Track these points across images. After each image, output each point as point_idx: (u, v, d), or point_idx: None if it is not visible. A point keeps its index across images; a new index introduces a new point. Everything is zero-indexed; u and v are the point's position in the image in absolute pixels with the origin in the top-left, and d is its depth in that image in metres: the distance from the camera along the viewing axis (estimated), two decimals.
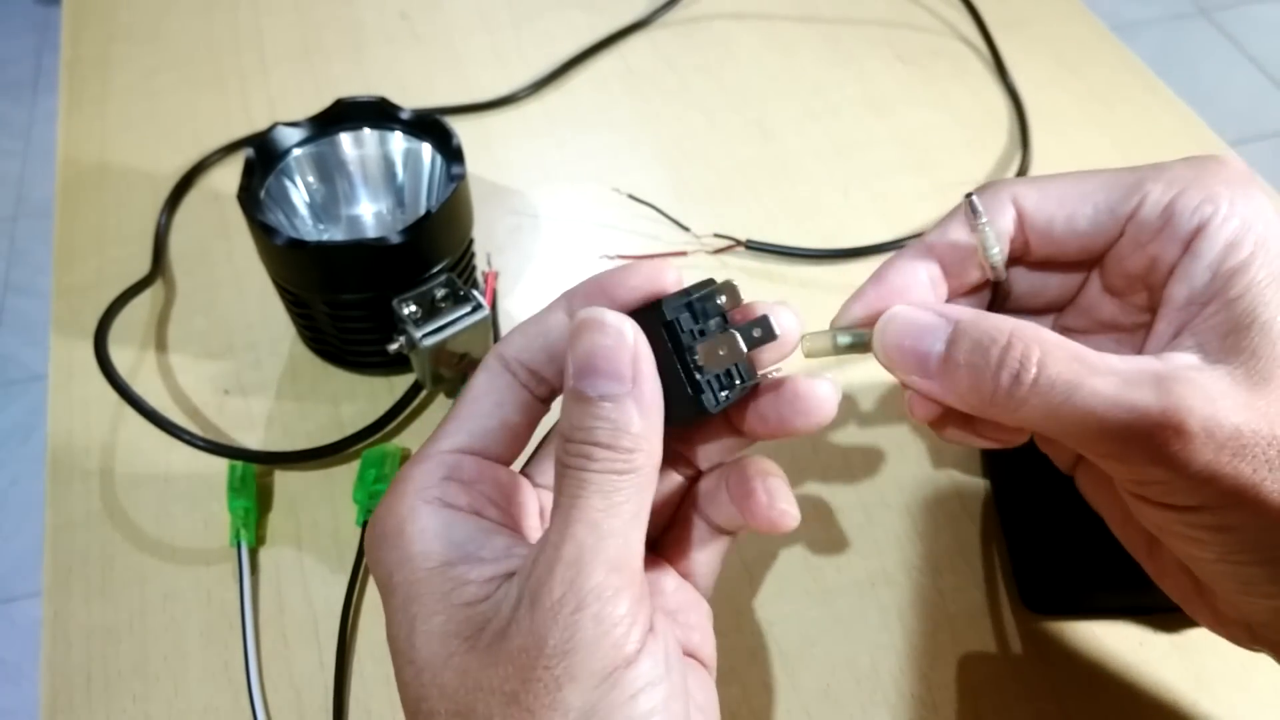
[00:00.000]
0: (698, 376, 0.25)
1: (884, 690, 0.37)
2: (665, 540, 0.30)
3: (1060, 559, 0.38)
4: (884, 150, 0.57)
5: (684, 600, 0.29)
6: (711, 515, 0.29)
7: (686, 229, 0.52)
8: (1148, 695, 0.37)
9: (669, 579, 0.29)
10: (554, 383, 0.28)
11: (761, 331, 0.25)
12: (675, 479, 0.30)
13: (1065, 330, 0.31)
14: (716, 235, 0.51)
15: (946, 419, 0.28)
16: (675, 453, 0.30)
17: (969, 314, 0.26)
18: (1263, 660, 0.37)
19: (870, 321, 0.28)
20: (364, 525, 0.41)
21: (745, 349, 0.25)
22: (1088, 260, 0.29)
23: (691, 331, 0.26)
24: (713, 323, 0.26)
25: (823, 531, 0.41)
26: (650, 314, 0.25)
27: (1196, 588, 0.28)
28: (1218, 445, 0.23)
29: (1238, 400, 0.23)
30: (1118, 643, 0.38)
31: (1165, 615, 0.38)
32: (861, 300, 0.29)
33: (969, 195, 0.28)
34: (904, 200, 0.53)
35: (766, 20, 0.66)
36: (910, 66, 0.62)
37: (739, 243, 0.51)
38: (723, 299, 0.26)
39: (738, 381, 0.26)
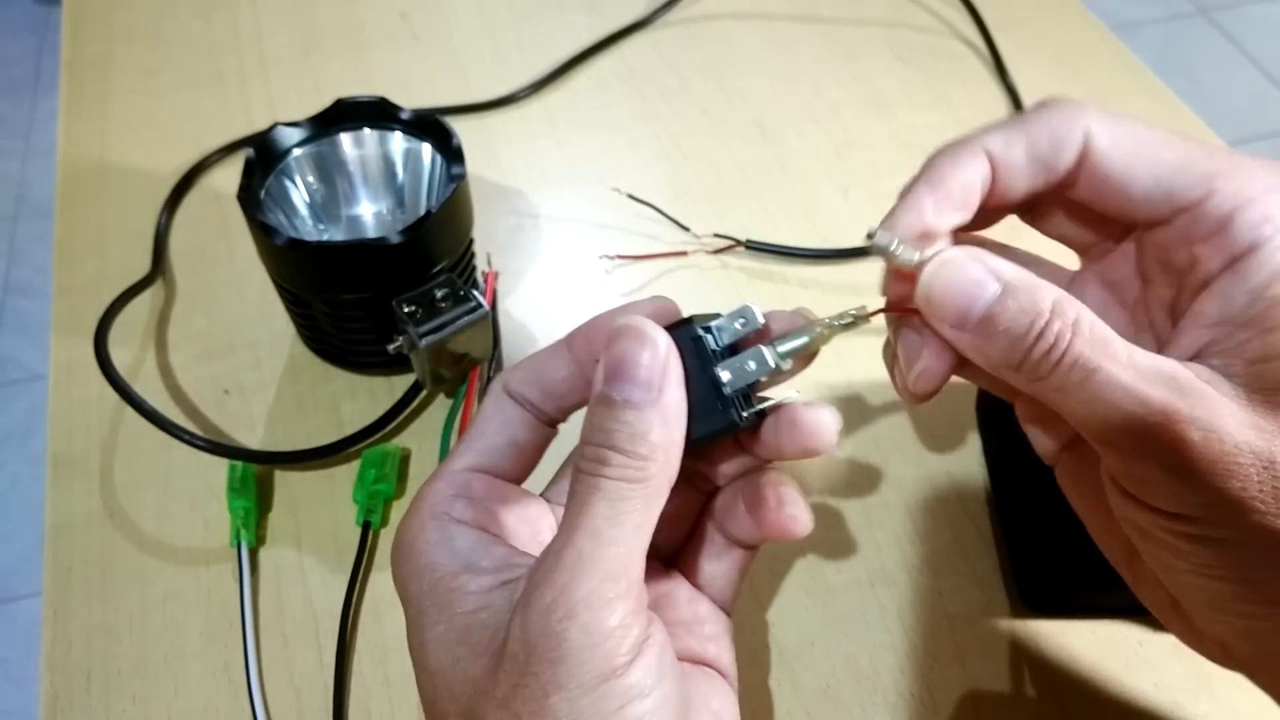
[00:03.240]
0: (726, 392, 0.26)
1: (884, 690, 0.37)
2: (682, 553, 0.30)
3: (1060, 559, 0.38)
4: (884, 150, 0.57)
5: (699, 612, 0.29)
6: (728, 528, 0.30)
7: (686, 229, 0.52)
8: (1148, 695, 0.37)
9: (682, 590, 0.29)
10: (554, 415, 0.28)
11: (790, 347, 0.26)
12: (693, 494, 0.30)
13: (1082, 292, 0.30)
14: (716, 235, 0.51)
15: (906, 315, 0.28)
16: (694, 469, 0.30)
17: (1016, 276, 0.24)
18: None
19: (921, 232, 0.27)
20: (364, 525, 0.41)
21: (772, 363, 0.26)
22: (1127, 226, 0.28)
23: (716, 350, 0.26)
24: (732, 343, 0.27)
25: (823, 531, 0.41)
26: (679, 330, 0.26)
27: (1173, 601, 0.28)
28: (1213, 458, 0.22)
29: (1244, 420, 0.23)
30: (1118, 643, 0.38)
31: None
32: (916, 208, 0.27)
33: (870, 236, 0.27)
34: None
35: (766, 20, 0.66)
36: (910, 66, 0.62)
37: (739, 243, 0.51)
38: (741, 323, 0.27)
39: (757, 399, 0.27)
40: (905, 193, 0.27)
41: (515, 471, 0.28)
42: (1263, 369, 0.23)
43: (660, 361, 0.24)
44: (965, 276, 0.24)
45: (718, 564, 0.30)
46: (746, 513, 0.29)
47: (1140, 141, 0.26)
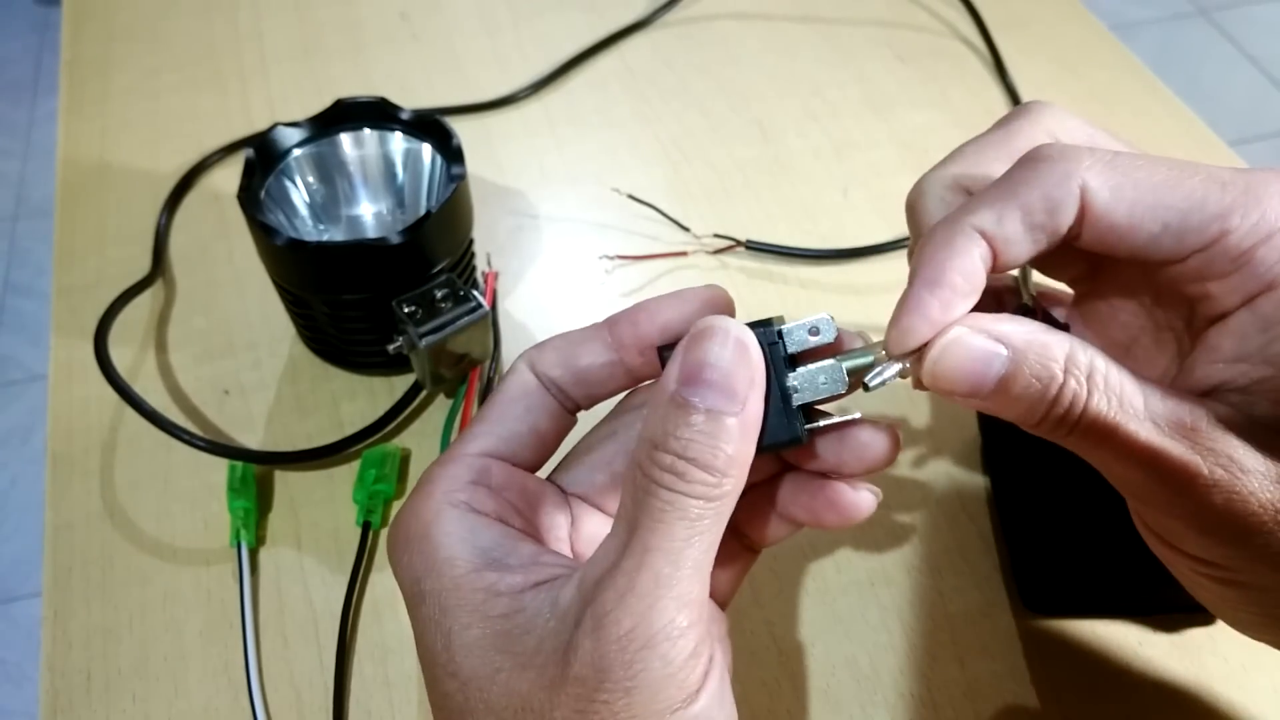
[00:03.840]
0: (794, 404, 0.25)
1: (884, 690, 0.37)
2: None
3: (1060, 559, 0.38)
4: (884, 150, 0.57)
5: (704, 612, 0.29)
6: (744, 529, 0.29)
7: (686, 229, 0.52)
8: (1148, 695, 0.37)
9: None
10: (581, 403, 0.27)
11: (854, 364, 0.25)
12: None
13: (1077, 314, 0.30)
14: (716, 235, 0.51)
15: None
16: None
17: (1023, 339, 0.23)
18: (1263, 660, 0.37)
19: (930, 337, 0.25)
20: (364, 525, 0.41)
21: (843, 383, 0.25)
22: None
23: (784, 358, 0.25)
24: (796, 353, 0.26)
25: (823, 531, 0.41)
26: (757, 332, 0.25)
27: None
28: (1237, 519, 0.22)
29: (1267, 474, 0.22)
30: (1118, 643, 0.38)
31: (1165, 615, 0.38)
32: (920, 313, 0.24)
33: (867, 388, 0.25)
34: (903, 200, 0.53)
35: (766, 20, 0.66)
36: (910, 66, 0.62)
37: (739, 243, 0.51)
38: (813, 333, 0.25)
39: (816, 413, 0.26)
40: (904, 294, 0.25)
41: (533, 460, 0.27)
42: None
43: (750, 370, 0.23)
44: (970, 354, 0.23)
45: (727, 568, 0.29)
46: (796, 507, 0.28)
47: (1143, 189, 0.24)
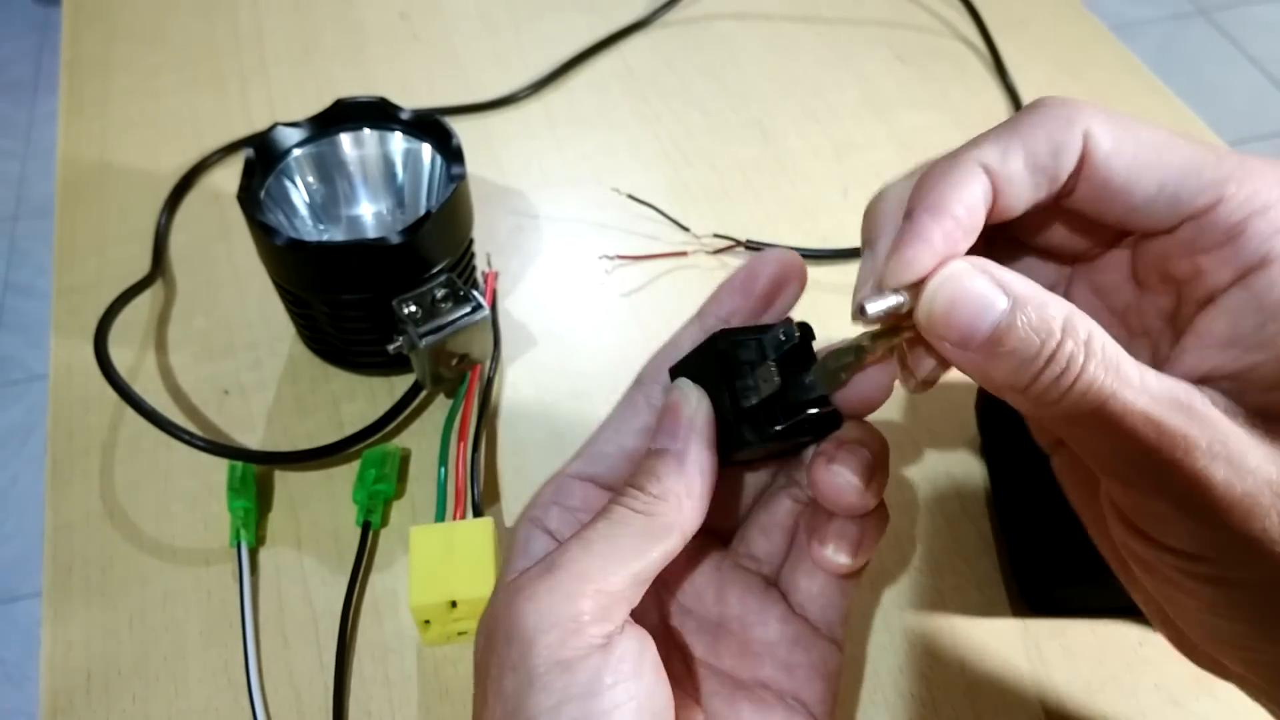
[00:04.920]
0: (751, 406, 0.26)
1: (884, 690, 0.37)
2: (784, 571, 0.30)
3: (1060, 559, 0.38)
4: (884, 151, 0.57)
5: (789, 633, 0.28)
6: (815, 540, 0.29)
7: (686, 229, 0.52)
8: (1148, 695, 0.37)
9: (774, 609, 0.29)
10: None
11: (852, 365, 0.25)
12: (789, 504, 0.30)
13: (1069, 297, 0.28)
14: (716, 235, 0.51)
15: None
16: (786, 477, 0.30)
17: (1025, 290, 0.22)
18: None
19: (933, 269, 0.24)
20: (364, 525, 0.41)
21: (832, 373, 0.26)
22: (1121, 232, 0.26)
23: (749, 362, 0.27)
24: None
25: None
26: (730, 340, 0.27)
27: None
28: (1234, 498, 0.21)
29: (1265, 455, 0.21)
30: (1118, 643, 0.38)
31: None
32: (924, 241, 0.23)
33: (862, 311, 0.23)
34: None
35: (766, 20, 0.66)
36: (910, 66, 0.62)
37: (739, 243, 0.51)
38: (785, 338, 0.26)
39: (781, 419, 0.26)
40: (902, 226, 0.24)
41: (620, 481, 0.28)
42: (1278, 397, 0.22)
43: (688, 415, 0.26)
44: (970, 292, 0.22)
45: (812, 583, 0.29)
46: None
47: (1144, 145, 0.23)
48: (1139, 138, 0.23)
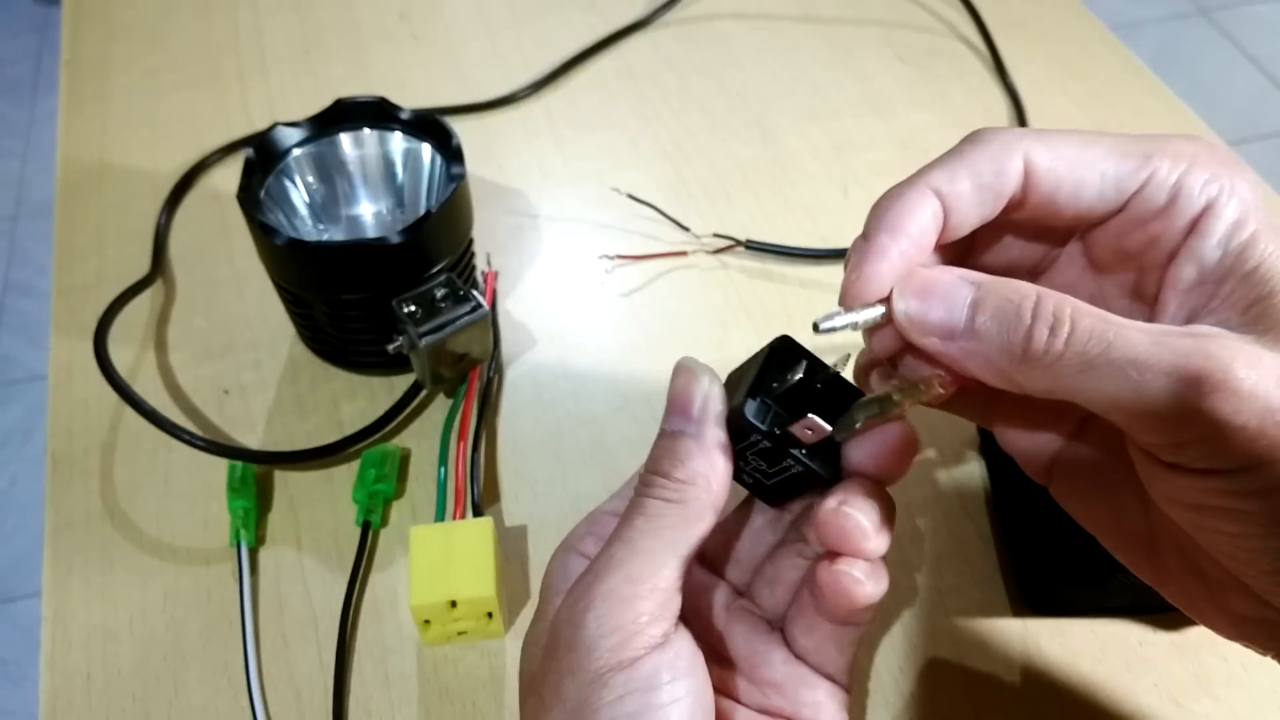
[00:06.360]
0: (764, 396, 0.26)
1: (884, 690, 0.37)
2: (786, 619, 0.30)
3: (1060, 559, 0.38)
4: (884, 150, 0.57)
5: (793, 675, 0.29)
6: (816, 597, 0.29)
7: (686, 229, 0.52)
8: (1148, 695, 0.37)
9: (778, 653, 0.30)
10: None
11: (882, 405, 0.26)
12: (796, 560, 0.30)
13: None
14: (716, 235, 0.51)
15: (904, 352, 0.27)
16: (796, 533, 0.30)
17: (988, 277, 0.25)
18: (1263, 660, 0.37)
19: (890, 284, 0.26)
20: (364, 525, 0.41)
21: (859, 417, 0.26)
22: (1072, 229, 0.28)
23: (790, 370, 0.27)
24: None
25: None
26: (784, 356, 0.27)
27: (1206, 589, 0.27)
28: (1265, 401, 0.21)
29: (1276, 363, 0.22)
30: (1118, 643, 0.38)
31: (1165, 615, 0.38)
32: (883, 258, 0.26)
33: (816, 328, 0.25)
34: None
35: (766, 20, 0.66)
36: (910, 66, 0.62)
37: (739, 243, 0.51)
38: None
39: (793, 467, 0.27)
40: (859, 248, 0.26)
41: None
42: (1258, 311, 0.23)
43: (700, 394, 0.27)
44: (940, 282, 0.25)
45: (809, 637, 0.29)
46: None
47: (1074, 145, 0.26)
48: (1069, 140, 0.26)
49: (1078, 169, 0.26)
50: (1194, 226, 0.25)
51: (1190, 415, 0.22)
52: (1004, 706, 0.37)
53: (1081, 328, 0.23)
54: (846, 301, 0.26)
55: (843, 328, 0.25)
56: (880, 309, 0.25)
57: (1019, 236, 0.29)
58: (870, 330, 0.27)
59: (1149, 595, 0.38)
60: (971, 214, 0.26)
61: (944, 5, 0.66)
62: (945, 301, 0.24)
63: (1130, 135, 0.26)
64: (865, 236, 0.26)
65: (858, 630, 0.29)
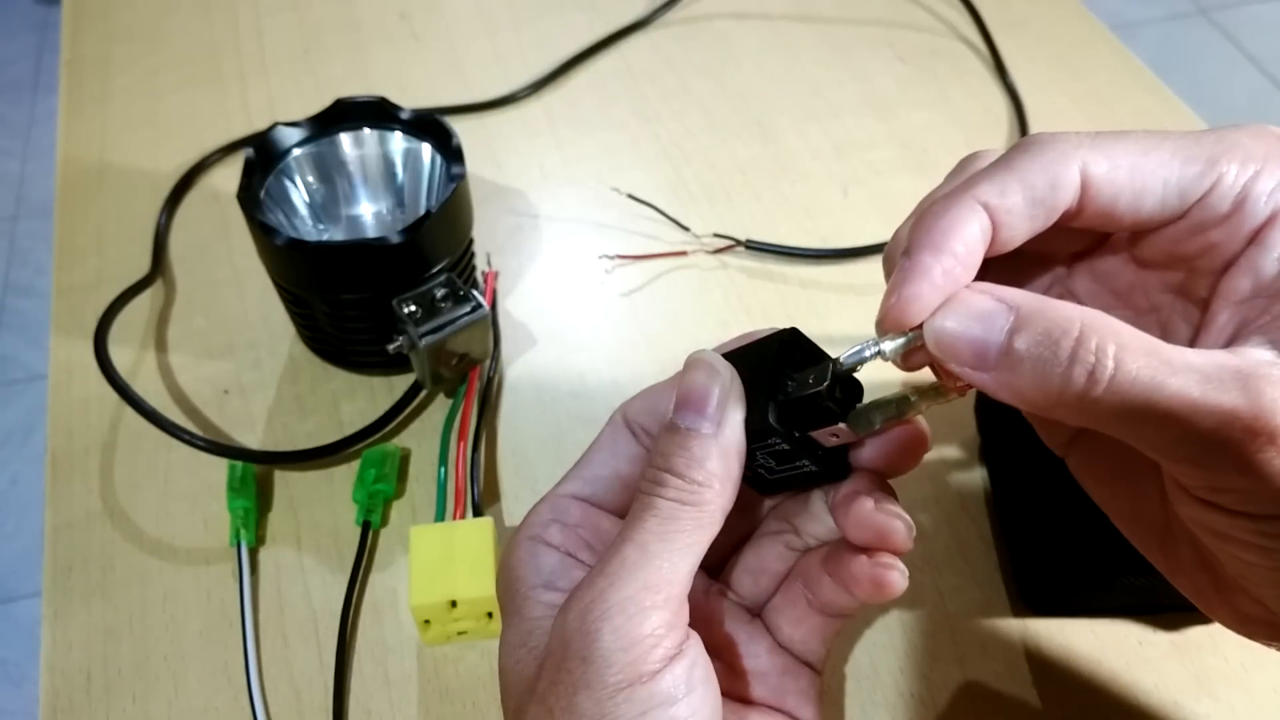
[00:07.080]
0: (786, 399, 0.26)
1: (884, 690, 0.37)
2: (769, 608, 0.30)
3: (1060, 559, 0.38)
4: (884, 150, 0.57)
5: (778, 664, 0.29)
6: (813, 590, 0.29)
7: (686, 229, 0.52)
8: (1148, 695, 0.37)
9: (763, 642, 0.29)
10: None
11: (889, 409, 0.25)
12: (782, 550, 0.30)
13: (1068, 295, 0.29)
14: (716, 235, 0.51)
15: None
16: (783, 523, 0.30)
17: (1030, 299, 0.22)
18: (1263, 660, 0.37)
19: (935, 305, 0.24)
20: (364, 525, 0.41)
21: (872, 422, 0.25)
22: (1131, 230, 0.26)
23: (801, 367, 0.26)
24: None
25: None
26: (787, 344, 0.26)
27: (1216, 586, 0.26)
28: None
29: None
30: (1118, 643, 0.38)
31: (1165, 615, 0.38)
32: (925, 278, 0.24)
33: (884, 357, 0.24)
34: (904, 200, 0.53)
35: (766, 20, 0.66)
36: (910, 66, 0.62)
37: (739, 243, 0.51)
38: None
39: (804, 465, 0.26)
40: (900, 267, 0.24)
41: (616, 503, 0.29)
42: None
43: (722, 391, 0.25)
44: (972, 311, 0.23)
45: (797, 629, 0.29)
46: (831, 576, 0.28)
47: (1132, 151, 0.24)
48: (1125, 147, 0.24)
49: (1138, 177, 0.24)
50: (1255, 236, 0.24)
51: (1237, 466, 0.21)
52: (1004, 706, 0.37)
53: (1125, 371, 0.21)
54: (886, 325, 0.24)
55: (871, 358, 0.24)
56: (910, 335, 0.24)
57: (1066, 234, 0.27)
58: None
59: (1149, 596, 0.38)
60: (1022, 228, 0.24)
61: (944, 5, 0.66)
62: (979, 330, 0.22)
63: (1194, 134, 0.24)
64: (907, 253, 0.24)
65: (844, 621, 0.29)
